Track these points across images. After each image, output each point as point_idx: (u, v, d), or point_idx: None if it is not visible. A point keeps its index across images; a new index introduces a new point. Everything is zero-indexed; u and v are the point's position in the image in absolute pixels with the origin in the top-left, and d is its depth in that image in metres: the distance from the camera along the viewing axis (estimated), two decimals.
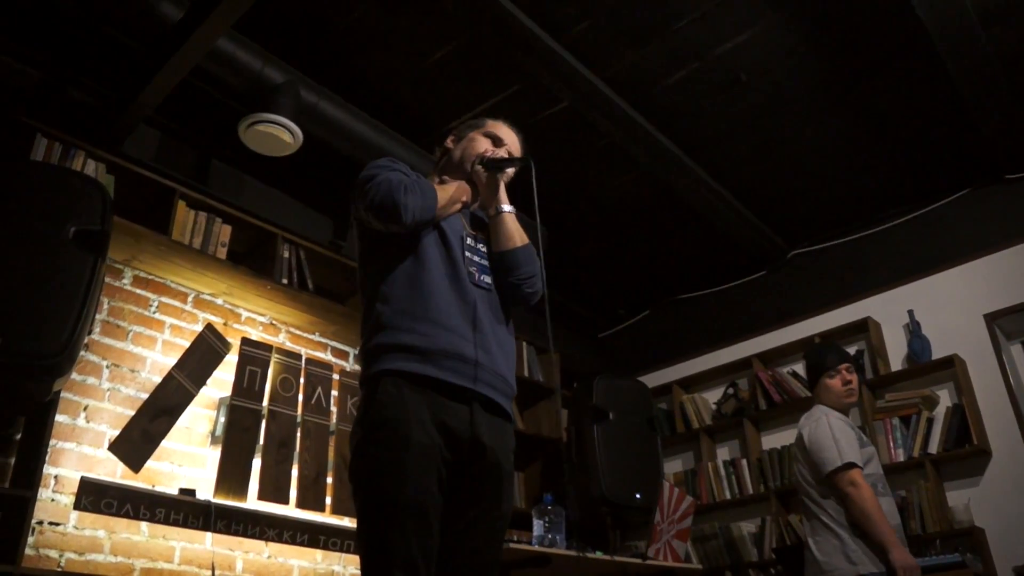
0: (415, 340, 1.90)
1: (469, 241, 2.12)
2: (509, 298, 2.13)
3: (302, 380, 4.23)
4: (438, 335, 1.91)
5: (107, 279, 3.64)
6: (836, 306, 5.40)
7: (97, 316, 3.60)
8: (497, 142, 2.28)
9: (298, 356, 4.28)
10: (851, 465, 3.20)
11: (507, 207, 2.17)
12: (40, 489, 3.14)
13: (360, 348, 2.02)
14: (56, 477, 3.32)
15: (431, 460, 1.81)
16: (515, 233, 2.15)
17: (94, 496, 3.25)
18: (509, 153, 2.28)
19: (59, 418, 3.34)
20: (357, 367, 4.65)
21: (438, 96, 4.38)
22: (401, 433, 1.80)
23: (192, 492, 3.57)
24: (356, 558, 4.02)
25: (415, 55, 4.15)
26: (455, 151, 2.28)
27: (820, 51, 4.14)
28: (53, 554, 3.23)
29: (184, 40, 3.46)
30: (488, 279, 2.09)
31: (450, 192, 2.13)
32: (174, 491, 3.57)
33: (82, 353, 3.38)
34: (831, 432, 3.30)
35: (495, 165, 2.19)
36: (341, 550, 3.98)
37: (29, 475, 3.11)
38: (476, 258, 2.10)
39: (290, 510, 3.90)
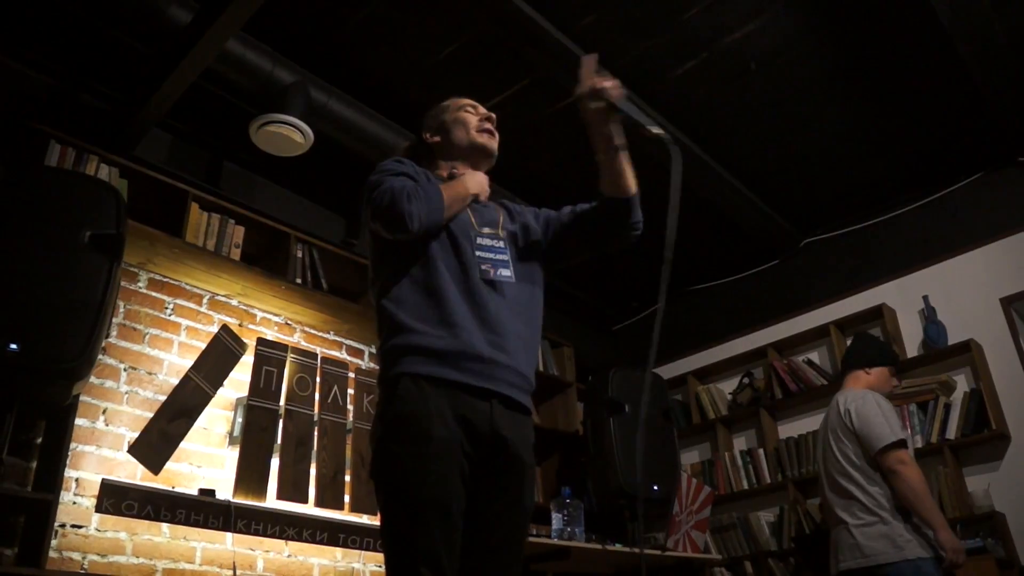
0: (431, 342, 1.88)
1: (480, 239, 2.07)
2: (610, 243, 2.21)
3: (318, 379, 4.24)
4: (453, 338, 1.89)
5: (123, 282, 3.66)
6: (850, 293, 5.39)
7: (113, 319, 3.63)
8: (474, 108, 2.31)
9: (313, 355, 4.30)
10: (902, 443, 3.19)
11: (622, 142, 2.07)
12: (62, 492, 3.16)
13: (378, 349, 2.00)
14: (77, 480, 3.34)
15: (452, 454, 1.80)
16: (632, 175, 2.12)
17: (115, 498, 3.27)
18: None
19: (79, 421, 3.37)
20: (373, 365, 4.66)
21: (448, 92, 4.30)
22: (422, 428, 1.79)
23: (212, 492, 3.59)
24: (376, 555, 4.05)
25: (424, 52, 4.15)
26: (446, 139, 2.27)
27: (830, 37, 4.12)
28: (76, 556, 3.25)
29: (194, 43, 3.48)
30: (507, 272, 2.04)
31: (457, 189, 2.09)
32: (194, 492, 3.58)
33: (100, 356, 3.40)
34: (880, 410, 3.30)
35: (626, 115, 2.01)
36: (360, 548, 3.99)
37: (51, 479, 3.13)
38: (490, 254, 2.05)
39: (309, 509, 3.91)
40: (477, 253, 2.03)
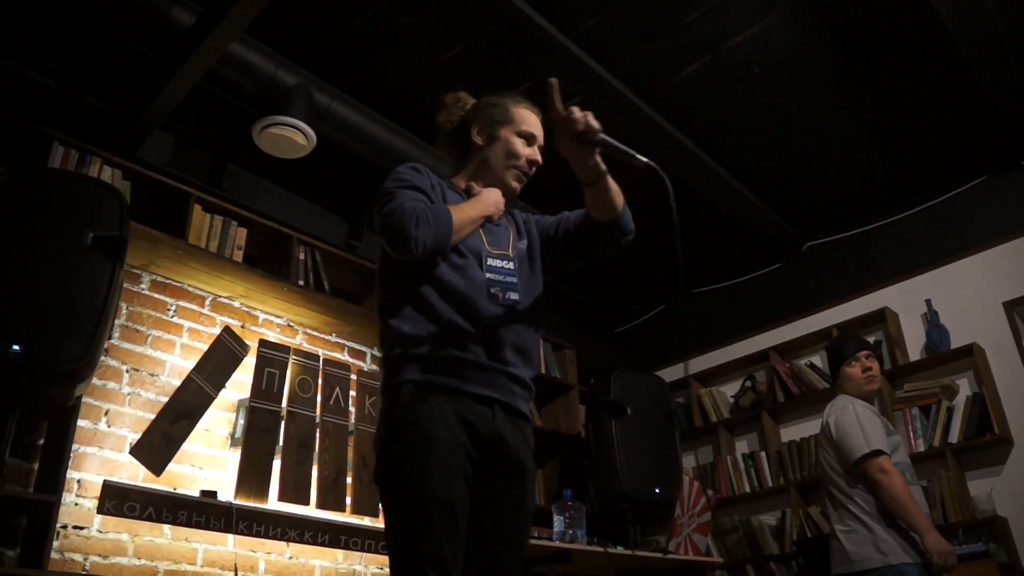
0: (434, 352, 1.89)
1: (491, 260, 2.04)
2: (603, 254, 2.18)
3: (320, 381, 4.24)
4: (456, 353, 1.89)
5: (125, 284, 3.66)
6: (853, 297, 5.39)
7: (116, 321, 3.63)
8: (531, 140, 2.21)
9: (316, 357, 4.30)
10: (879, 452, 3.19)
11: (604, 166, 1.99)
12: (64, 494, 3.17)
13: (381, 358, 2.01)
14: (79, 481, 3.34)
15: (457, 457, 1.80)
16: (617, 193, 2.05)
17: (117, 500, 3.27)
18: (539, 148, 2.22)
19: (81, 423, 3.37)
20: (375, 367, 4.66)
21: None
22: (425, 431, 1.80)
23: (213, 494, 3.59)
24: (377, 557, 4.06)
25: (427, 54, 4.15)
26: (488, 153, 2.19)
27: (832, 41, 4.12)
28: (78, 558, 3.26)
29: (197, 45, 3.48)
30: (514, 295, 2.02)
31: (469, 213, 2.04)
32: (195, 493, 3.59)
33: (102, 358, 3.40)
34: (857, 420, 3.30)
35: (607, 148, 1.94)
36: (362, 550, 3.99)
37: (53, 480, 3.14)
38: (500, 276, 2.03)
39: (311, 510, 3.91)
40: (487, 275, 2.01)
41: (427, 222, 1.91)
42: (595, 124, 1.92)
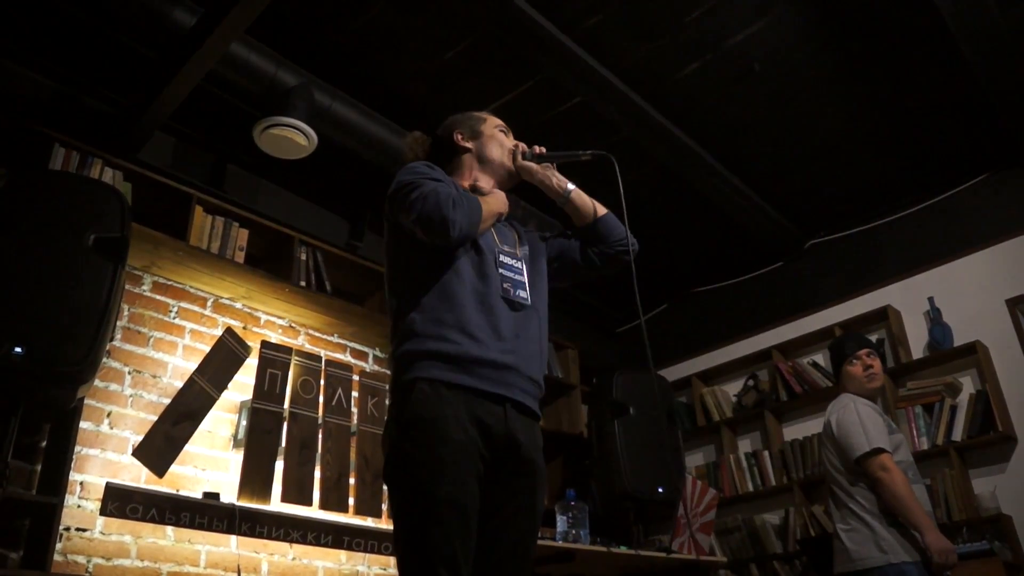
0: (447, 348, 1.89)
1: (503, 257, 2.10)
2: (606, 266, 2.33)
3: (322, 382, 4.24)
4: (469, 346, 1.90)
5: (127, 286, 3.66)
6: (855, 295, 5.37)
7: (118, 323, 3.63)
8: (507, 132, 2.35)
9: (318, 358, 4.30)
10: (880, 450, 3.19)
11: (571, 186, 2.30)
12: (66, 496, 3.17)
13: (391, 353, 2.01)
14: (82, 483, 3.34)
15: (469, 456, 1.81)
16: (591, 205, 2.30)
17: (120, 502, 3.26)
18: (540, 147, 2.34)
19: (83, 425, 3.37)
20: (377, 367, 4.66)
21: (452, 95, 4.37)
22: (439, 430, 1.80)
23: (216, 496, 3.58)
24: (380, 558, 4.06)
25: (428, 55, 4.15)
26: (480, 149, 2.28)
27: (833, 38, 4.11)
28: (81, 560, 3.25)
29: (197, 46, 3.48)
30: (524, 293, 2.08)
31: (492, 206, 2.12)
32: (198, 495, 3.58)
33: (104, 360, 3.40)
34: (858, 418, 3.29)
35: (548, 160, 2.30)
36: (365, 550, 3.99)
37: (55, 482, 3.14)
38: (511, 274, 2.08)
39: (313, 511, 3.91)
40: (500, 271, 2.06)
41: (461, 206, 1.96)
42: (523, 147, 2.31)
